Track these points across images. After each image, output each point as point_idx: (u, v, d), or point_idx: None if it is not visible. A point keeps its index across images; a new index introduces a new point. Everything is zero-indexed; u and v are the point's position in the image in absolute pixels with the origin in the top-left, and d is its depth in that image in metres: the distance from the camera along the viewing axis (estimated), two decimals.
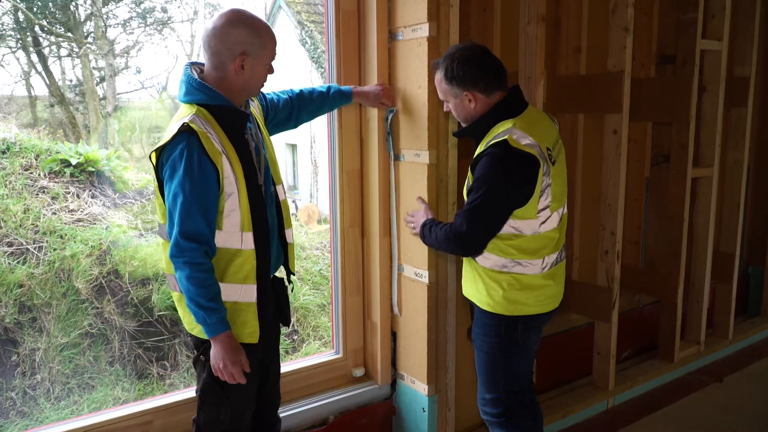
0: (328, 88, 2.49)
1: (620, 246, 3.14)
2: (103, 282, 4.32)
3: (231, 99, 1.91)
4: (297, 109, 2.38)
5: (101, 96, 8.62)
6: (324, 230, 6.70)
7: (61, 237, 4.35)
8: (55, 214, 4.46)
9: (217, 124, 1.88)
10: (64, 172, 4.77)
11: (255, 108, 2.15)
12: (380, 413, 2.90)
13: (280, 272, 2.20)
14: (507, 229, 2.11)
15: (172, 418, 2.42)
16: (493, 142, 2.04)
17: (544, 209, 2.10)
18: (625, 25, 2.96)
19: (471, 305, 2.36)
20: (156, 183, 1.90)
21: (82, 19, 8.51)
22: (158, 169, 1.87)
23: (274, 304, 2.12)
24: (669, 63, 3.52)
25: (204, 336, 1.92)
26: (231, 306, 1.91)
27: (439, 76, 2.14)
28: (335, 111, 2.70)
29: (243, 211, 1.90)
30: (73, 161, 4.81)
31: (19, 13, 7.78)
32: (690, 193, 3.48)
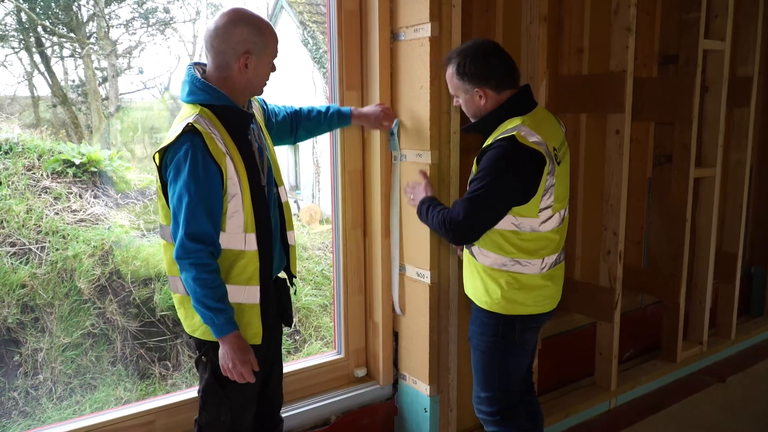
0: (327, 108, 2.47)
1: (622, 246, 3.14)
2: (105, 282, 4.33)
3: (234, 99, 1.91)
4: (295, 124, 2.38)
5: (104, 96, 8.62)
6: (326, 230, 6.69)
7: (64, 237, 4.35)
8: (57, 214, 4.47)
9: (220, 124, 1.88)
10: (67, 173, 4.77)
11: (256, 110, 2.15)
12: (382, 413, 2.90)
13: (282, 274, 2.20)
14: (508, 225, 2.11)
15: (174, 418, 2.42)
16: (501, 136, 2.05)
17: (545, 209, 2.11)
18: (628, 25, 2.95)
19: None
20: (159, 184, 1.90)
21: (84, 20, 8.51)
22: (162, 170, 1.86)
23: (277, 305, 2.13)
24: (671, 63, 3.52)
25: (205, 337, 1.92)
26: (235, 307, 1.91)
27: (451, 70, 2.15)
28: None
29: (246, 212, 1.89)
30: (76, 161, 4.81)
31: (22, 14, 7.79)
32: (692, 193, 3.47)
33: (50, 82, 8.43)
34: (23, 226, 4.27)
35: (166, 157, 1.83)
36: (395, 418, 2.94)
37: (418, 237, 2.65)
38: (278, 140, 2.35)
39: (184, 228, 1.79)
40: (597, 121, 3.18)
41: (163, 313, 4.38)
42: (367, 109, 2.60)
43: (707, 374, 3.86)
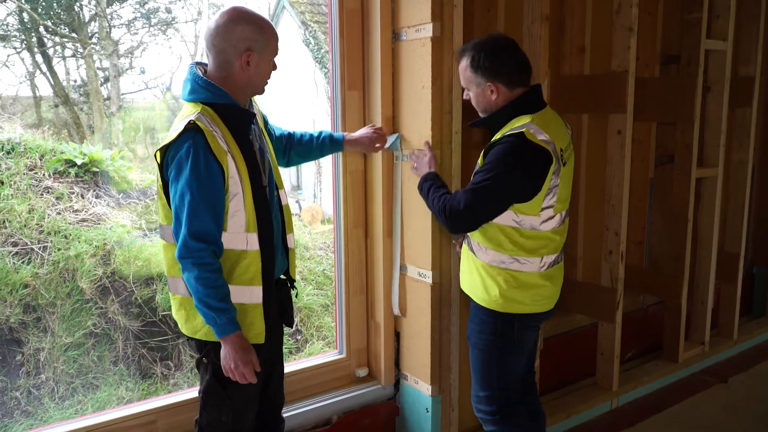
0: (320, 133, 2.46)
1: (624, 246, 3.14)
2: (107, 282, 4.33)
3: (236, 98, 1.91)
4: (288, 148, 2.37)
5: (105, 96, 8.64)
6: (327, 230, 6.70)
7: (66, 237, 4.36)
8: (59, 214, 4.47)
9: (222, 123, 1.87)
10: (69, 173, 4.78)
11: (257, 114, 2.14)
12: (383, 413, 2.90)
13: (282, 277, 2.20)
14: (508, 221, 2.12)
15: (176, 417, 2.42)
16: (510, 132, 2.05)
17: (547, 208, 2.11)
18: (629, 25, 2.95)
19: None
20: (160, 183, 1.89)
21: (86, 20, 8.53)
22: (163, 169, 1.85)
23: (278, 305, 2.12)
24: (673, 63, 3.51)
25: (208, 338, 1.91)
26: (239, 307, 1.90)
27: (464, 63, 2.15)
28: (338, 110, 2.70)
29: (248, 211, 1.89)
30: (78, 161, 4.82)
31: (24, 14, 7.80)
32: (694, 193, 3.47)
33: (52, 82, 8.44)
34: (25, 225, 4.27)
35: (167, 155, 1.82)
36: (397, 419, 2.94)
37: (419, 237, 2.65)
38: None
39: (187, 226, 1.78)
40: (599, 121, 3.17)
41: (164, 312, 4.38)
42: (359, 133, 2.60)
43: (709, 375, 3.86)
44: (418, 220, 2.64)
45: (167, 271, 1.96)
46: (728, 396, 3.61)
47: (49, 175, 4.70)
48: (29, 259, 4.17)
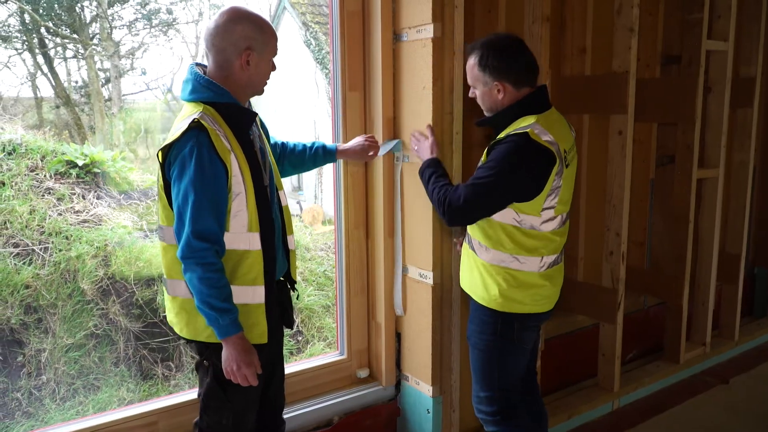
0: (312, 144, 2.45)
1: (625, 247, 3.14)
2: (108, 283, 4.33)
3: (236, 98, 1.91)
4: (282, 158, 2.37)
5: (107, 97, 8.64)
6: (328, 231, 6.69)
7: (67, 238, 4.36)
8: (60, 215, 4.48)
9: (224, 122, 1.87)
10: (70, 174, 4.78)
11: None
12: (385, 414, 2.90)
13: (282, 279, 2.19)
14: (509, 220, 2.12)
15: (177, 419, 2.42)
16: (514, 132, 2.05)
17: (548, 209, 2.11)
18: (630, 26, 2.95)
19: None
20: (161, 183, 1.88)
21: (87, 21, 8.53)
22: (164, 169, 1.84)
23: (279, 306, 2.12)
24: (674, 63, 3.51)
25: (211, 340, 1.90)
26: (242, 308, 1.89)
27: (472, 61, 2.15)
28: (339, 111, 2.70)
29: (250, 211, 1.88)
30: (79, 162, 4.82)
31: (25, 15, 7.81)
32: (695, 194, 3.47)
33: (53, 83, 8.44)
34: (26, 226, 4.27)
35: (169, 154, 1.81)
36: (398, 419, 2.94)
37: (420, 238, 2.65)
38: None
39: (191, 226, 1.76)
40: (600, 121, 3.17)
41: (165, 314, 4.39)
42: (351, 143, 2.59)
43: (710, 375, 3.85)
44: (418, 220, 2.64)
45: (166, 273, 1.94)
46: (729, 397, 3.61)
47: (51, 176, 4.70)
48: (30, 260, 4.17)
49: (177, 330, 1.99)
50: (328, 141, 2.58)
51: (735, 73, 3.76)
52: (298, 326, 5.01)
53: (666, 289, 3.61)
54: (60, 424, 2.32)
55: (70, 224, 4.47)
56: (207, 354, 1.95)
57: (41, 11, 8.01)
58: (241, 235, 1.88)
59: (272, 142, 2.33)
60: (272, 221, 1.99)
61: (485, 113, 2.23)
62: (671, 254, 3.57)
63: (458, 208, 2.09)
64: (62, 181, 4.74)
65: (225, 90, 1.88)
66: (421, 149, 2.46)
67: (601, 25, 3.09)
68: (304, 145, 2.43)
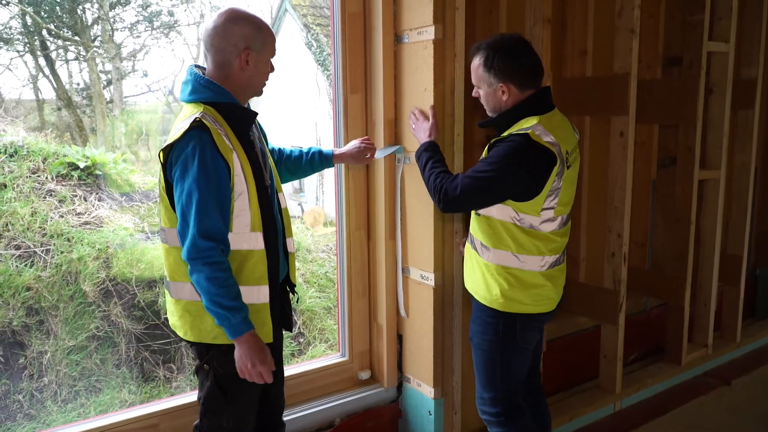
0: (309, 149, 2.45)
1: (627, 248, 3.13)
2: (109, 285, 4.34)
3: (236, 98, 1.92)
4: (279, 162, 2.36)
5: (108, 99, 8.65)
6: (330, 233, 6.70)
7: (68, 240, 4.36)
8: (62, 217, 4.48)
9: (225, 122, 1.87)
10: (72, 176, 4.79)
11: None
12: (386, 416, 2.90)
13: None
14: (507, 218, 2.13)
15: (178, 420, 2.42)
16: (516, 132, 2.06)
17: (548, 209, 2.12)
18: (631, 27, 2.95)
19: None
20: (163, 184, 1.87)
21: (89, 23, 8.54)
22: (166, 170, 1.83)
23: (280, 308, 2.12)
24: (675, 65, 3.51)
25: (216, 341, 1.89)
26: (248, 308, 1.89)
27: (477, 61, 2.15)
28: (341, 113, 2.70)
29: (253, 211, 1.88)
30: (81, 164, 4.83)
31: (27, 17, 7.82)
32: (697, 195, 3.47)
33: (55, 85, 8.45)
34: (28, 228, 4.28)
35: (171, 155, 1.80)
36: (399, 421, 2.94)
37: (421, 239, 2.65)
38: None
39: (196, 225, 1.75)
40: (601, 123, 3.17)
41: (167, 317, 4.39)
42: (347, 147, 2.59)
43: (712, 377, 3.85)
44: (420, 222, 2.64)
45: (169, 275, 1.93)
46: (731, 398, 3.61)
47: (52, 178, 4.71)
48: (32, 262, 4.17)
49: (181, 334, 1.97)
50: (329, 143, 2.58)
51: (736, 75, 3.76)
52: (299, 328, 5.01)
53: (668, 291, 3.61)
54: (62, 426, 2.32)
55: (72, 226, 4.47)
56: (207, 358, 1.94)
57: (43, 14, 8.03)
58: (245, 235, 1.88)
59: (270, 148, 2.33)
60: (275, 221, 1.99)
61: (488, 113, 2.24)
62: (673, 255, 3.57)
63: (454, 197, 2.11)
64: (64, 183, 4.74)
65: (225, 90, 1.88)
66: (419, 129, 2.46)
67: (602, 27, 3.09)
68: (301, 151, 2.43)
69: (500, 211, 2.14)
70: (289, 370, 2.67)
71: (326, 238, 6.21)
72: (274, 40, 1.96)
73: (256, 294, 1.91)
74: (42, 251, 4.24)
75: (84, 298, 4.22)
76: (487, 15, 2.87)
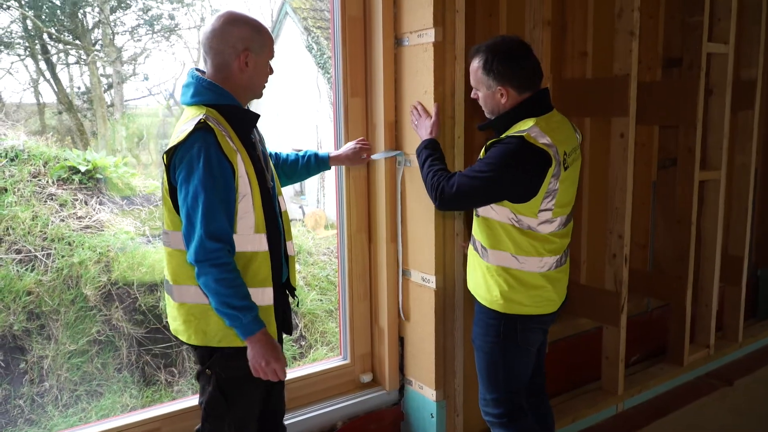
0: (305, 153, 2.46)
1: (628, 250, 3.13)
2: (111, 289, 4.34)
3: (238, 100, 1.92)
4: (276, 166, 2.36)
5: (109, 103, 8.65)
6: (331, 235, 6.70)
7: (69, 244, 4.36)
8: (63, 221, 4.48)
9: (227, 124, 1.87)
10: (73, 179, 4.79)
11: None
12: (388, 419, 2.90)
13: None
14: (507, 219, 2.14)
15: (180, 425, 2.42)
16: (512, 134, 2.07)
17: (545, 211, 2.12)
18: (631, 29, 2.95)
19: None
20: (166, 187, 1.86)
21: (90, 27, 8.55)
22: (170, 172, 1.82)
23: (281, 311, 2.12)
24: (675, 66, 3.51)
25: (221, 344, 1.88)
26: None
27: (476, 64, 2.16)
28: (341, 116, 2.70)
29: (257, 212, 1.88)
30: (82, 168, 4.83)
31: (28, 21, 7.83)
32: (697, 196, 3.47)
33: (56, 89, 8.46)
34: (29, 233, 4.28)
35: (175, 157, 1.79)
36: (402, 424, 2.94)
37: (423, 242, 2.65)
38: None
39: (204, 227, 1.75)
40: (601, 124, 3.18)
41: (168, 320, 4.38)
42: (343, 149, 2.61)
43: (714, 378, 3.84)
44: (421, 224, 2.64)
45: (173, 279, 1.92)
46: (734, 399, 3.60)
47: (53, 182, 4.71)
48: (33, 266, 4.17)
49: (184, 338, 1.96)
50: (329, 146, 2.59)
51: (736, 76, 3.76)
52: (301, 331, 5.01)
53: (669, 292, 3.61)
54: (63, 431, 2.32)
55: (73, 230, 4.47)
56: (210, 362, 1.93)
57: (44, 17, 8.04)
58: (249, 236, 1.88)
59: (269, 150, 2.34)
60: (277, 223, 1.99)
61: (487, 115, 2.24)
62: (674, 256, 3.57)
63: (450, 195, 2.13)
64: (65, 187, 4.74)
65: (227, 92, 1.89)
66: (421, 126, 2.47)
67: (602, 29, 3.09)
68: (297, 155, 2.44)
69: (499, 213, 2.15)
70: (290, 374, 2.67)
71: (327, 240, 6.20)
72: (272, 42, 1.97)
73: (260, 296, 1.91)
74: (43, 255, 4.24)
75: (85, 302, 4.21)
76: (486, 17, 2.87)
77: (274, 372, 1.87)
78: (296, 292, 2.21)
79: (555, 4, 3.09)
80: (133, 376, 4.22)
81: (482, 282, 2.26)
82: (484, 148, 2.16)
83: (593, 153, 3.24)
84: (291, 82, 9.79)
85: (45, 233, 4.34)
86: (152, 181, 5.44)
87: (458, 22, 2.49)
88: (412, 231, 2.71)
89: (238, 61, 1.88)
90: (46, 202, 4.55)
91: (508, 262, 2.18)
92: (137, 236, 4.71)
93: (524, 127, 2.09)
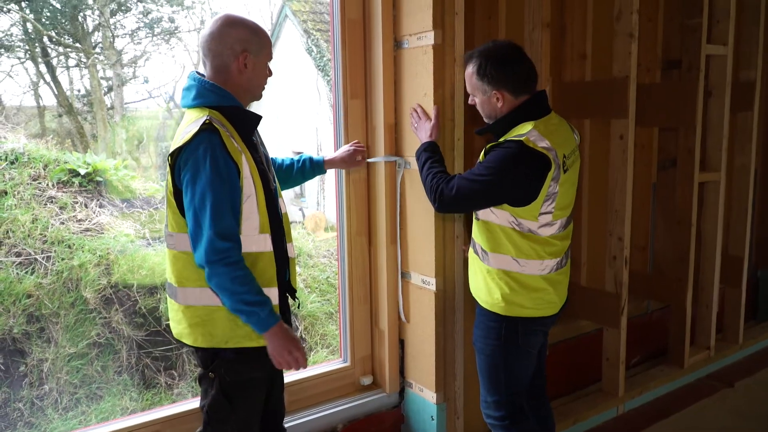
0: (300, 157, 2.46)
1: (628, 251, 3.13)
2: (111, 291, 4.33)
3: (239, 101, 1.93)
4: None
5: (109, 106, 8.67)
6: (331, 238, 6.70)
7: (69, 247, 4.36)
8: (63, 223, 4.48)
9: (230, 125, 1.87)
10: (73, 182, 4.79)
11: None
12: (389, 422, 2.89)
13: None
14: (507, 223, 2.14)
15: (180, 427, 2.42)
16: (511, 138, 2.07)
17: (545, 214, 2.12)
18: (630, 31, 2.96)
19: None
20: (170, 188, 1.85)
21: (90, 30, 8.57)
22: (174, 173, 1.82)
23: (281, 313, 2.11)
24: (674, 68, 3.52)
25: (228, 345, 1.88)
26: None
27: (471, 70, 2.16)
28: (341, 119, 2.71)
29: (261, 212, 1.88)
30: (82, 171, 4.83)
31: (28, 24, 7.85)
32: (697, 197, 3.47)
33: (56, 92, 8.48)
34: (29, 236, 4.28)
35: (180, 158, 1.79)
36: (402, 426, 2.94)
37: (422, 244, 2.65)
38: None
39: (212, 227, 1.75)
40: (600, 126, 3.18)
41: (168, 322, 4.38)
42: (338, 152, 2.61)
43: (715, 379, 3.84)
44: (421, 227, 2.64)
45: (178, 281, 1.90)
46: (734, 400, 3.60)
47: (53, 185, 4.71)
48: (33, 269, 4.17)
49: (190, 341, 1.93)
50: (329, 148, 2.58)
51: (735, 77, 3.76)
52: (301, 333, 5.01)
53: (669, 293, 3.60)
54: None
55: (73, 233, 4.47)
56: (214, 366, 1.92)
57: (44, 20, 8.05)
58: (253, 237, 1.88)
59: None
60: (280, 223, 2.00)
61: (485, 120, 2.25)
62: (674, 258, 3.57)
63: (449, 197, 2.14)
64: (65, 190, 4.74)
65: (229, 93, 1.89)
66: (420, 129, 2.48)
67: (601, 31, 3.09)
68: (292, 160, 2.44)
69: (499, 216, 2.15)
70: (290, 376, 2.67)
71: (327, 243, 6.21)
72: (270, 44, 1.97)
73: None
74: (43, 258, 4.24)
75: (85, 305, 4.21)
76: (486, 20, 2.87)
77: (296, 360, 1.89)
78: (296, 295, 2.21)
79: (554, 6, 3.10)
80: (133, 379, 4.21)
81: (483, 285, 2.26)
82: (483, 152, 2.16)
83: (593, 155, 3.24)
84: (291, 85, 9.81)
85: (45, 236, 4.35)
86: (152, 183, 5.44)
87: (458, 24, 2.49)
88: (412, 233, 2.71)
89: (236, 62, 1.88)
90: (46, 205, 4.56)
91: (509, 265, 2.18)
92: (137, 239, 4.71)
93: (523, 130, 2.09)
